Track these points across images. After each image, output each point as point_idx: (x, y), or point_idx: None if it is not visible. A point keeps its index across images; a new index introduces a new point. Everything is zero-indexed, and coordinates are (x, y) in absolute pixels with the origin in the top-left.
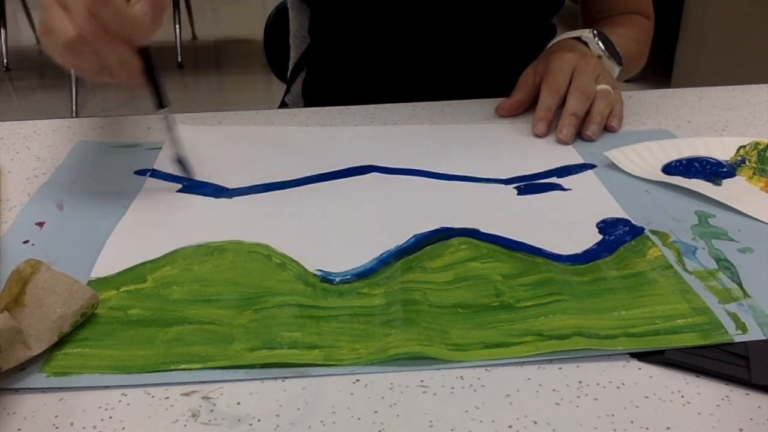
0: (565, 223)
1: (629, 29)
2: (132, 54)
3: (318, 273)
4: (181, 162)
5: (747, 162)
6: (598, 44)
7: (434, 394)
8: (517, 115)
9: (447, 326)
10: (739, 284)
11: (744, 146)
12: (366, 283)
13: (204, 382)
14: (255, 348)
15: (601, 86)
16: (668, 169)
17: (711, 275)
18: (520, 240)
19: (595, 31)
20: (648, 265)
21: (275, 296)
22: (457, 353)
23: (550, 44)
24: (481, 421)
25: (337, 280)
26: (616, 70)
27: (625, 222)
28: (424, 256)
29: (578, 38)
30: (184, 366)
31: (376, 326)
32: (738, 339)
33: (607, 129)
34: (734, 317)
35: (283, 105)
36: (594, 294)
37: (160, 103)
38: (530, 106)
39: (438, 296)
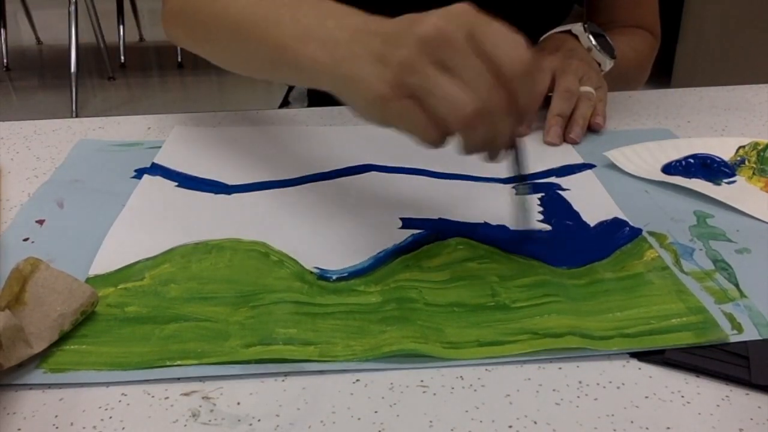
0: (563, 224)
1: (630, 39)
2: (516, 125)
3: (315, 271)
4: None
5: (746, 162)
6: (588, 37)
7: (434, 394)
8: None
9: (442, 324)
10: (736, 285)
11: (743, 146)
12: (362, 281)
13: (203, 380)
14: (250, 344)
15: (584, 88)
16: (668, 169)
17: (708, 276)
18: (517, 240)
19: (585, 25)
20: (644, 267)
21: (272, 293)
22: (452, 351)
23: (541, 39)
24: (481, 421)
25: (334, 277)
26: (608, 62)
27: (623, 223)
28: (421, 255)
29: (569, 32)
30: (179, 362)
31: (372, 323)
32: (734, 338)
33: (592, 128)
34: (730, 317)
35: (285, 103)
36: (590, 296)
37: (521, 177)
38: None
39: (434, 295)
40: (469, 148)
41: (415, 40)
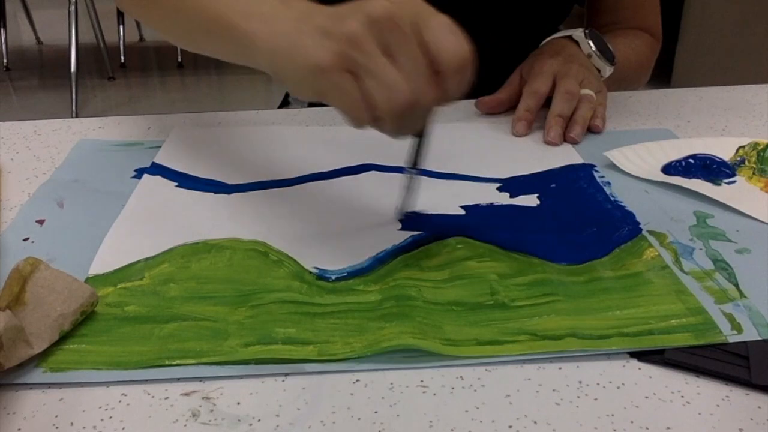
0: (562, 223)
1: (631, 40)
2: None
3: (314, 270)
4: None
5: (746, 162)
6: (588, 43)
7: (434, 394)
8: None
9: (441, 322)
10: (736, 285)
11: (743, 146)
12: (362, 281)
13: (203, 380)
14: (249, 344)
15: (584, 91)
16: (668, 169)
17: (708, 276)
18: (516, 239)
19: (586, 30)
20: (644, 266)
21: (271, 293)
22: (451, 348)
23: (542, 43)
24: (481, 421)
25: (333, 277)
26: (607, 69)
27: (622, 222)
28: (420, 254)
29: (570, 37)
30: (178, 361)
31: (371, 321)
32: (732, 339)
33: (591, 130)
34: (730, 318)
35: (285, 103)
36: (589, 294)
37: (415, 164)
38: (513, 106)
39: (433, 293)
40: (392, 132)
41: (363, 16)
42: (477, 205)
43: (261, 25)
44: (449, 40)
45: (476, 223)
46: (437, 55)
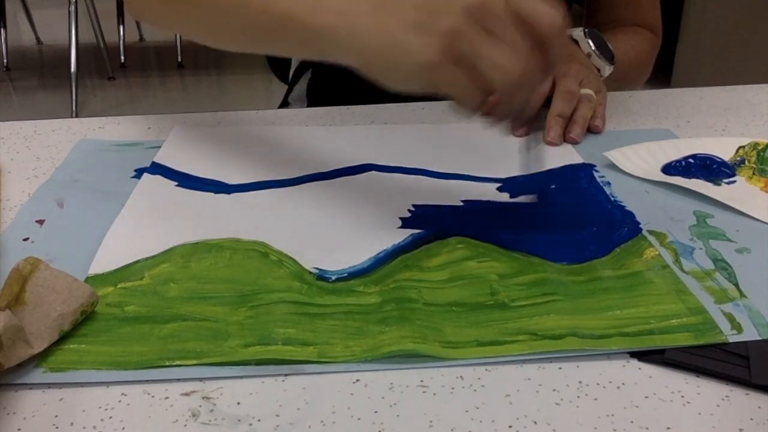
0: (562, 223)
1: (631, 38)
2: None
3: (314, 271)
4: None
5: (746, 162)
6: (588, 43)
7: (434, 394)
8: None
9: (441, 324)
10: (736, 284)
11: (743, 146)
12: (362, 282)
13: (203, 380)
14: (249, 344)
15: (584, 91)
16: (668, 169)
17: (708, 275)
18: (516, 239)
19: (586, 30)
20: (644, 266)
21: (271, 293)
22: (451, 351)
23: None
24: (481, 421)
25: (333, 278)
26: (607, 68)
27: (622, 222)
28: (420, 255)
29: (569, 36)
30: (179, 362)
31: (371, 324)
32: (733, 339)
33: (591, 130)
34: (730, 317)
35: (285, 105)
36: (589, 294)
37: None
38: None
39: (433, 294)
40: (506, 111)
41: (460, 8)
42: (478, 201)
43: (338, 21)
44: (542, 9)
45: (476, 222)
46: (536, 25)
